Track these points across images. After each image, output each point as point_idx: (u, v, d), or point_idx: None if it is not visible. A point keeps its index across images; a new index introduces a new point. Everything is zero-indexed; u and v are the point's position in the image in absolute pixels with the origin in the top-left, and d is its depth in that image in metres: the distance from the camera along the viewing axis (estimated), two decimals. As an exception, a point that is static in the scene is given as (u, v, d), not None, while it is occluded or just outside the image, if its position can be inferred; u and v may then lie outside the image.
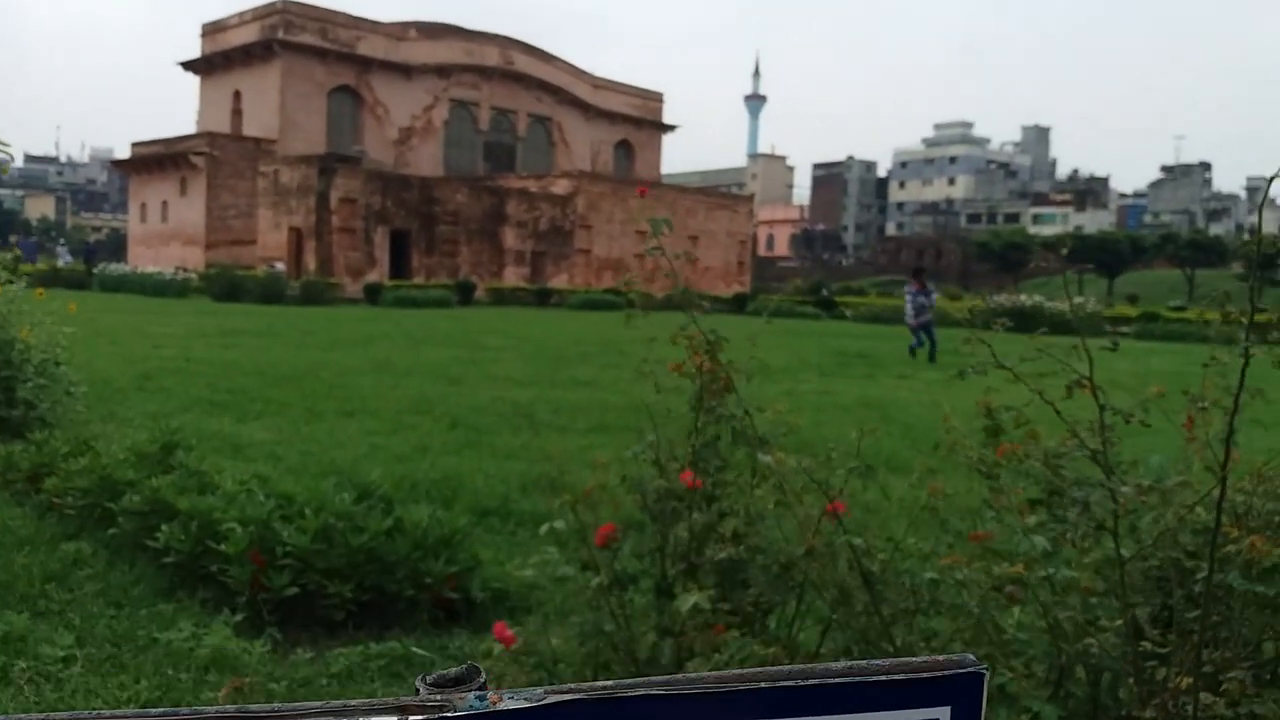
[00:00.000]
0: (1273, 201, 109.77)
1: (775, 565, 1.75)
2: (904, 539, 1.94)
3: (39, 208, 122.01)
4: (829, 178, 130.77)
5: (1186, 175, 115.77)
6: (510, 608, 3.43)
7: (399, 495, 4.64)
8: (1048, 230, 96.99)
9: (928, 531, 2.27)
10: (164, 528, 3.61)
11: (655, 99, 68.20)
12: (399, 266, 38.75)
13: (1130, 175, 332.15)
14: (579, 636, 2.05)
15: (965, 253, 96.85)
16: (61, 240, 73.95)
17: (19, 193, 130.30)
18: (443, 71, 55.34)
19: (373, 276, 36.64)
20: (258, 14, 50.72)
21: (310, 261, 36.50)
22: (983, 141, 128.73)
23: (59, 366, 6.30)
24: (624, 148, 66.45)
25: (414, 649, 3.03)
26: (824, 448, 7.23)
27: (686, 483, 2.04)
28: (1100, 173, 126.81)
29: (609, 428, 7.41)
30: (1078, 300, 23.12)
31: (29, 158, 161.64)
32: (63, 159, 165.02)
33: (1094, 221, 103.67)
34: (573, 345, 16.51)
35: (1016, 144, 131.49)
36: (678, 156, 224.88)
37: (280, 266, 36.15)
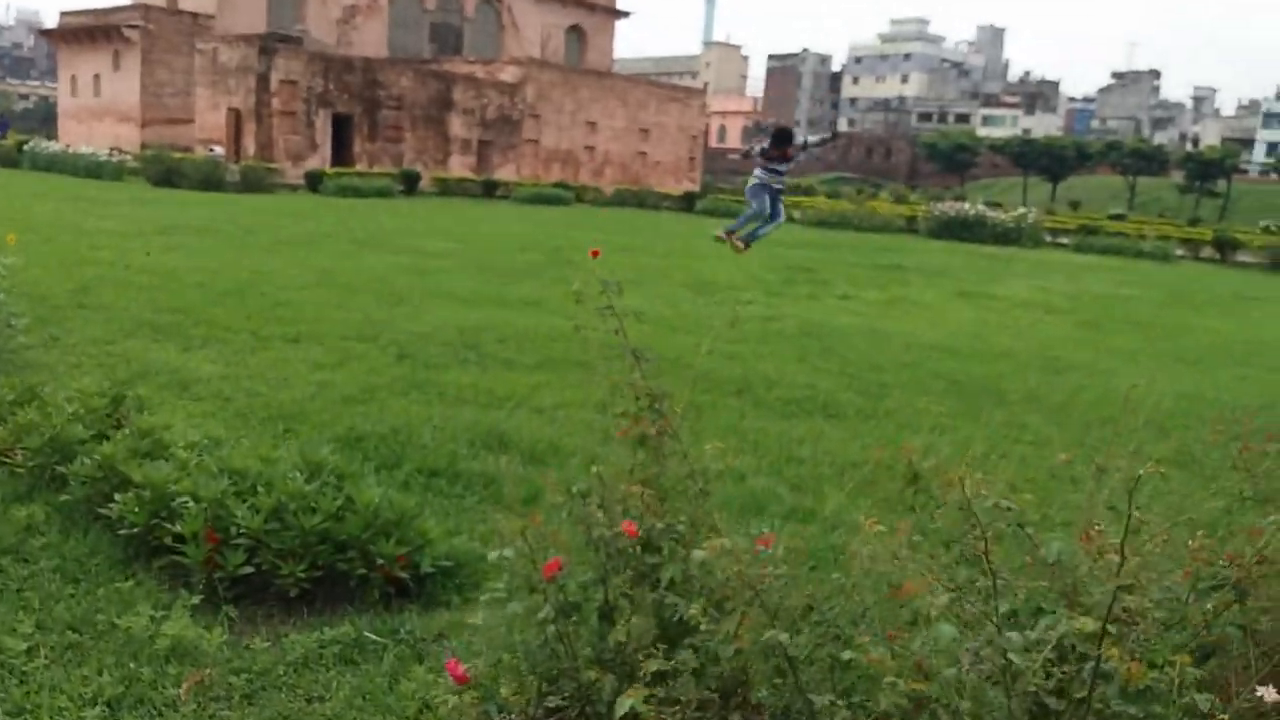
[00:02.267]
0: (1216, 113, 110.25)
1: (711, 678, 1.90)
2: (827, 594, 2.10)
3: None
4: (783, 70, 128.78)
5: (1136, 82, 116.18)
6: (459, 584, 3.60)
7: (348, 454, 4.74)
8: (997, 132, 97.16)
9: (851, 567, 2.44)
10: (118, 498, 3.69)
11: (610, -18, 65.99)
12: (341, 152, 37.78)
13: (1081, 80, 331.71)
14: (528, 668, 2.21)
15: (914, 152, 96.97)
16: (-15, 111, 70.44)
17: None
18: (389, -53, 52.89)
19: (314, 162, 35.72)
20: (191, -125, 47.74)
21: (250, 145, 35.42)
22: (938, 40, 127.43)
23: (-4, 296, 6.20)
24: (576, 33, 64.58)
25: (367, 634, 3.19)
26: (765, 387, 7.39)
27: (628, 532, 2.18)
28: (1052, 76, 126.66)
29: (556, 363, 7.54)
30: (1019, 210, 23.27)
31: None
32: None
33: (1042, 125, 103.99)
34: (520, 253, 16.45)
35: (971, 43, 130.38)
36: (631, 43, 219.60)
37: (219, 150, 35.08)
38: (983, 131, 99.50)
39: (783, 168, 10.88)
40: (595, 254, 2.57)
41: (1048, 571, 1.91)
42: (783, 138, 11.06)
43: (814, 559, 3.95)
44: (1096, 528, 1.90)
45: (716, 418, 6.28)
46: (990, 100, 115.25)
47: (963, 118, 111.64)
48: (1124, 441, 4.54)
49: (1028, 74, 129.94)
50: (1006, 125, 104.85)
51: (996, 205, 45.52)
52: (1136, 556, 2.03)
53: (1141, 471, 1.97)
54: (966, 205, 36.79)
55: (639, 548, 2.20)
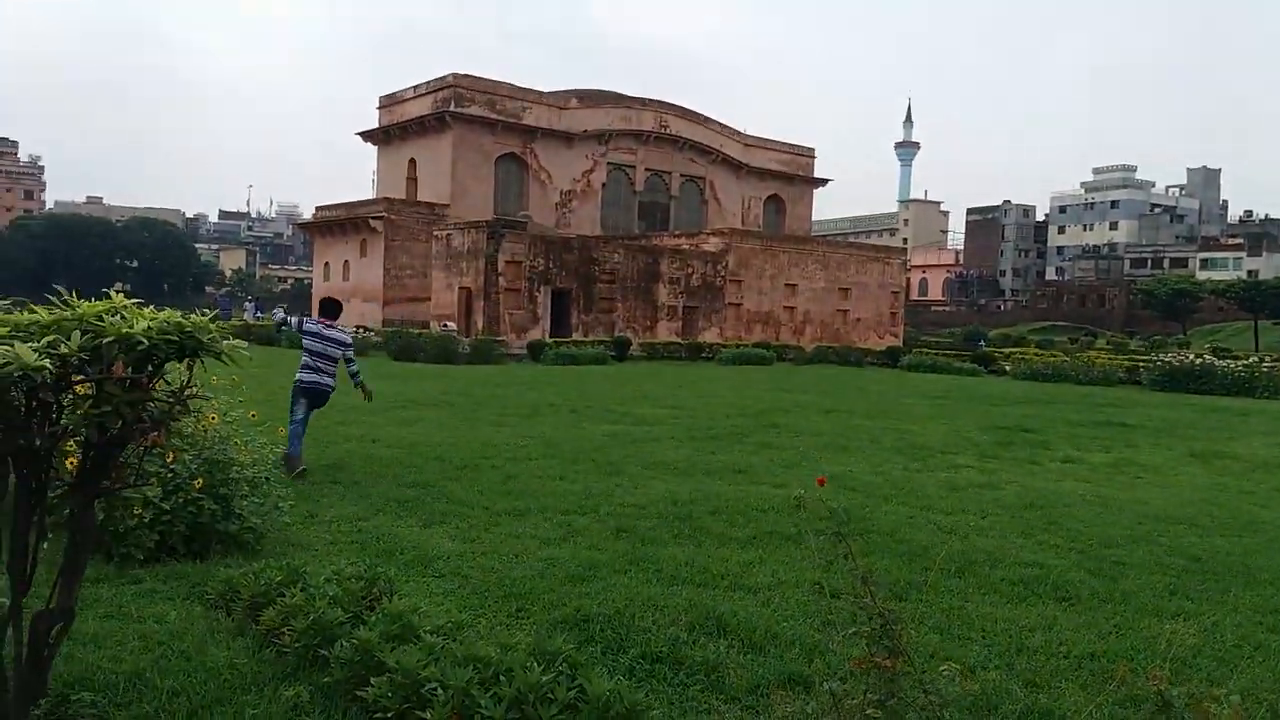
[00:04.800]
0: None
1: None
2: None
3: (232, 260, 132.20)
4: (984, 223, 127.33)
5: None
6: (685, 781, 3.65)
7: (576, 634, 4.95)
8: (1218, 275, 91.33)
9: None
10: (373, 682, 4.02)
11: (806, 154, 68.36)
12: (559, 323, 40.10)
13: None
14: None
15: (1130, 298, 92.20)
16: (249, 297, 79.77)
17: (215, 247, 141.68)
18: (601, 137, 57.30)
19: (536, 334, 38.05)
20: (431, 87, 53.95)
21: (479, 319, 38.22)
22: (1146, 185, 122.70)
23: (268, 481, 6.97)
24: (774, 201, 66.76)
25: (600, 830, 3.28)
26: (988, 565, 7.15)
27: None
28: (1276, 214, 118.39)
29: (767, 537, 7.58)
30: (1253, 358, 21.62)
31: (223, 214, 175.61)
32: (253, 215, 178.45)
33: (1270, 266, 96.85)
34: (726, 418, 16.70)
35: (1182, 187, 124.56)
36: (829, 204, 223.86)
37: (452, 326, 38.07)
38: (1202, 275, 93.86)
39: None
40: (822, 482, 2.69)
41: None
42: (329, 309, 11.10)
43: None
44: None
45: (938, 600, 6.10)
46: (1209, 243, 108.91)
47: (1179, 262, 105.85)
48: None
49: (1249, 214, 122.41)
50: (1229, 268, 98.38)
51: (1225, 351, 42.36)
52: None
53: None
54: (1192, 354, 34.46)
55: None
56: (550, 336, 37.79)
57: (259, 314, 55.86)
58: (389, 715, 3.88)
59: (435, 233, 42.69)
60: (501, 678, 3.84)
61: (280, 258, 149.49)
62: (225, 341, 3.59)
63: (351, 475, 9.64)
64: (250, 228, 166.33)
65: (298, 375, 10.33)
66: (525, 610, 5.52)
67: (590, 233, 50.64)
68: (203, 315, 3.65)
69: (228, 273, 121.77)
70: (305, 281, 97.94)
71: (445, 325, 38.28)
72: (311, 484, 9.05)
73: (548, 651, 4.07)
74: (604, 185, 57.82)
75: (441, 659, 4.05)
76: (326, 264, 56.16)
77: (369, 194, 57.48)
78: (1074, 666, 4.97)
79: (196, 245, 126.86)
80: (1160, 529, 8.64)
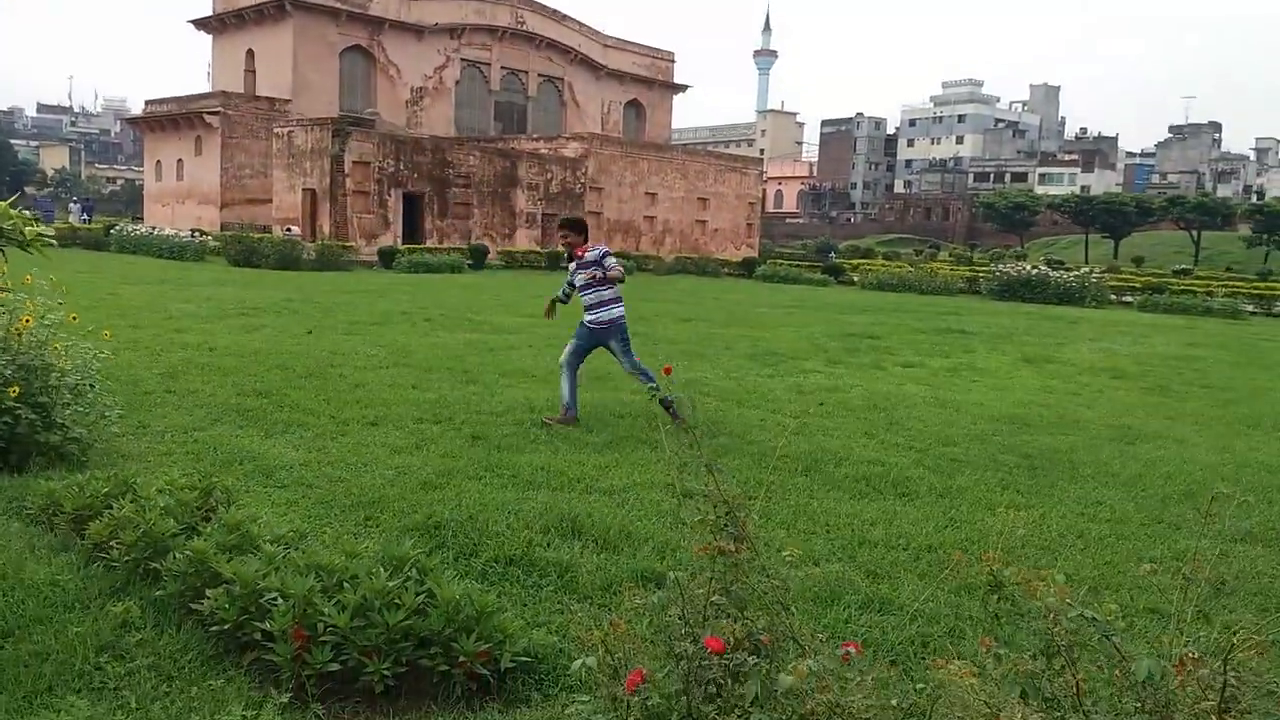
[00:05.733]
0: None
1: None
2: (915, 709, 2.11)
3: (53, 158, 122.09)
4: (838, 134, 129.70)
5: (1195, 135, 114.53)
6: (539, 679, 3.64)
7: (427, 542, 4.86)
8: (1055, 190, 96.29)
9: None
10: (209, 594, 3.82)
11: (666, 58, 67.63)
12: (412, 229, 38.86)
13: (1139, 135, 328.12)
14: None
15: (972, 211, 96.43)
16: (75, 197, 74.00)
17: (33, 144, 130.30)
18: (454, 31, 54.98)
19: (387, 240, 36.81)
20: (268, -29, 50.28)
21: (325, 223, 36.63)
22: (991, 100, 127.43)
23: (93, 389, 6.50)
24: (634, 107, 66.01)
25: (450, 732, 3.24)
26: (833, 464, 7.38)
27: (711, 647, 2.22)
28: (1109, 132, 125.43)
29: (624, 441, 7.61)
30: (1083, 270, 23.04)
31: (41, 107, 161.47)
32: (76, 109, 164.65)
33: (1101, 182, 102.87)
34: (585, 326, 16.64)
35: (1025, 103, 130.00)
36: (688, 112, 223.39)
37: (295, 231, 36.36)
38: (1041, 189, 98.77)
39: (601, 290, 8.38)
40: (668, 371, 2.64)
41: (1138, 690, 1.90)
42: (576, 227, 8.67)
43: (895, 653, 3.92)
44: (1188, 651, 1.89)
45: (785, 498, 6.27)
46: (1047, 158, 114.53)
47: (1020, 176, 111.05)
48: (1209, 543, 4.47)
49: (1084, 131, 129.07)
50: (1065, 183, 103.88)
51: (1059, 263, 44.97)
52: (1233, 671, 2.01)
53: (1230, 576, 1.96)
54: (1028, 265, 36.40)
55: (722, 662, 2.23)
56: (403, 243, 36.65)
57: (86, 216, 51.94)
58: (226, 627, 3.71)
59: (276, 130, 40.31)
60: (346, 585, 3.71)
61: (108, 156, 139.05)
62: (30, 228, 3.25)
63: (187, 384, 9.12)
64: (73, 123, 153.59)
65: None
66: (374, 519, 5.37)
67: (444, 134, 48.91)
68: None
69: (49, 172, 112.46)
70: (136, 182, 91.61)
71: (289, 230, 36.53)
72: (143, 393, 8.53)
73: (395, 557, 3.96)
74: (457, 83, 55.73)
75: (282, 569, 3.89)
76: (159, 163, 52.52)
77: (204, 88, 53.69)
78: (913, 558, 5.20)
79: (13, 142, 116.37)
80: (994, 429, 9.13)
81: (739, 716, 2.14)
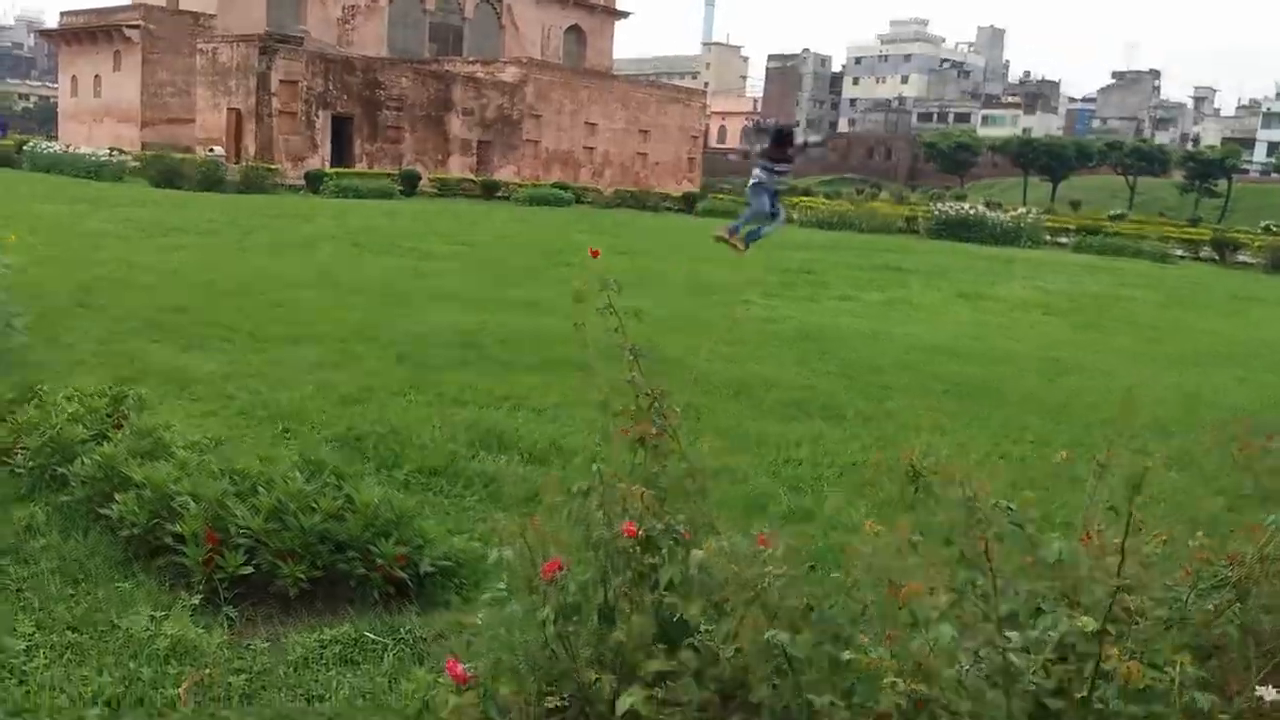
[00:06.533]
0: (1217, 113, 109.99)
1: (711, 679, 1.90)
2: (826, 593, 2.10)
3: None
4: (783, 70, 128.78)
5: (1136, 82, 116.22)
6: (459, 584, 3.60)
7: (347, 454, 4.75)
8: (997, 132, 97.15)
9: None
10: (118, 498, 3.70)
11: (610, -17, 66.01)
12: (341, 153, 37.81)
13: (1082, 80, 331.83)
14: (528, 668, 2.21)
15: (915, 152, 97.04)
16: (-15, 112, 70.45)
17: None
18: (389, -53, 52.93)
19: (314, 163, 35.76)
20: (192, -125, 47.79)
21: (250, 145, 35.46)
22: (937, 40, 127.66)
23: (-3, 297, 6.22)
24: (575, 33, 64.58)
25: (367, 634, 3.19)
26: (763, 389, 7.39)
27: (628, 533, 2.18)
28: (1052, 77, 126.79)
29: (555, 364, 7.52)
30: (1020, 211, 23.30)
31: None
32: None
33: (1042, 125, 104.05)
34: (519, 254, 16.45)
35: (971, 44, 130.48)
36: (630, 43, 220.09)
37: (219, 151, 35.11)
38: (983, 131, 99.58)
39: (783, 168, 10.73)
40: (595, 254, 2.57)
41: (1048, 571, 1.91)
42: (783, 137, 11.02)
43: (814, 559, 3.94)
44: (1098, 529, 1.90)
45: (715, 419, 6.26)
46: (991, 100, 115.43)
47: (963, 118, 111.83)
48: (1124, 442, 4.54)
49: (1028, 74, 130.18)
50: (1007, 125, 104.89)
51: (997, 205, 45.58)
52: (1137, 556, 2.03)
53: (1143, 469, 1.97)
54: (967, 205, 36.84)
55: (638, 548, 2.20)
56: (331, 167, 35.63)
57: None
58: (135, 532, 3.59)
59: (200, 46, 38.64)
60: (261, 489, 3.61)
61: (21, 71, 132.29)
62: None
63: (102, 300, 8.79)
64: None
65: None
66: (292, 431, 5.24)
67: (376, 54, 47.32)
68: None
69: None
70: (51, 99, 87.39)
71: (212, 150, 35.28)
72: (54, 307, 8.19)
73: (312, 462, 3.87)
74: (391, 2, 53.90)
75: (195, 474, 3.77)
76: (74, 79, 50.07)
77: (125, 0, 51.16)
78: (837, 474, 5.25)
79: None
80: (925, 359, 9.25)
81: (653, 600, 2.12)
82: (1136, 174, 74.40)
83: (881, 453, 3.07)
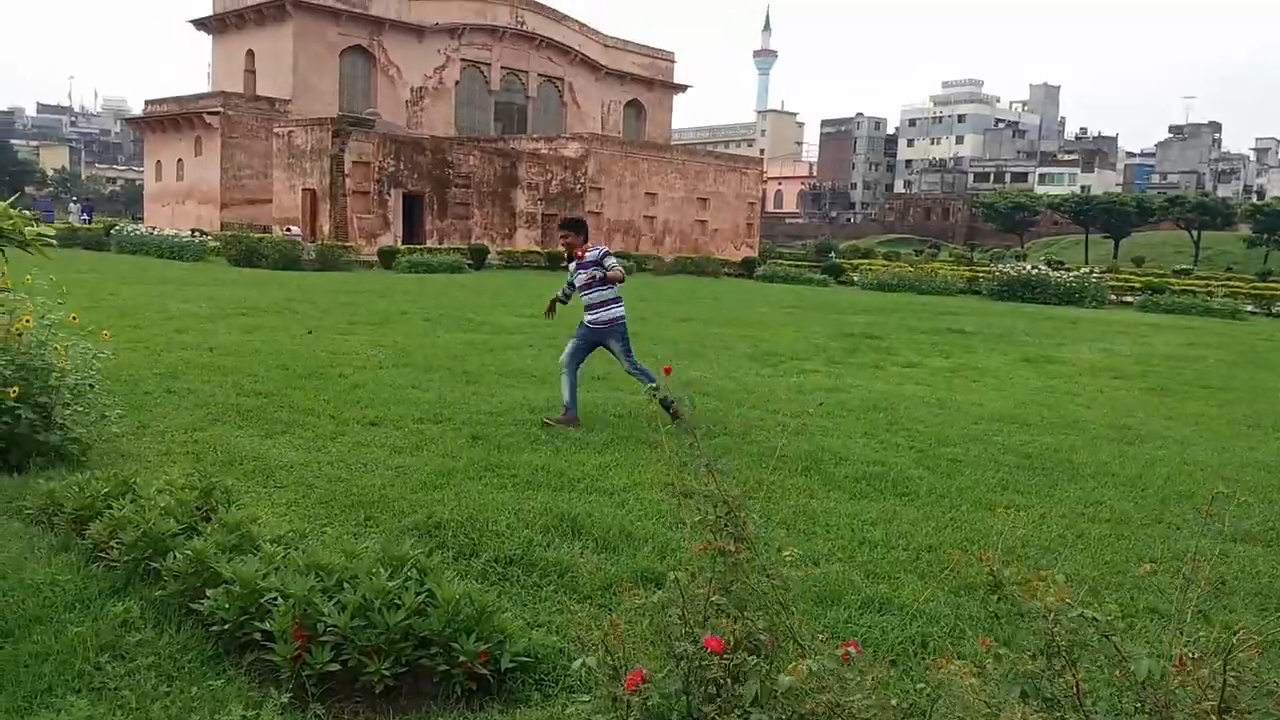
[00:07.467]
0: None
1: None
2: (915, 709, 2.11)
3: (54, 158, 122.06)
4: (837, 134, 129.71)
5: (1195, 136, 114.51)
6: (539, 679, 3.64)
7: (427, 542, 4.85)
8: (1054, 190, 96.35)
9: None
10: (209, 594, 3.82)
11: (666, 58, 67.63)
12: (412, 229, 38.87)
13: (1138, 135, 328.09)
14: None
15: (972, 211, 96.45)
16: (75, 197, 73.95)
17: (34, 144, 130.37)
18: (455, 31, 54.99)
19: (387, 240, 36.79)
20: (268, -28, 50.30)
21: (325, 224, 36.63)
22: (991, 100, 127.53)
23: (92, 389, 6.51)
24: (634, 107, 66.00)
25: (450, 732, 3.24)
26: (833, 463, 7.37)
27: (711, 647, 2.22)
28: (1108, 132, 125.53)
29: (624, 442, 7.61)
30: (1083, 270, 23.05)
31: (42, 107, 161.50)
32: (76, 109, 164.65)
33: (1101, 182, 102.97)
34: (585, 326, 16.63)
35: (1024, 103, 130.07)
36: (687, 111, 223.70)
37: (296, 231, 36.36)
38: (1041, 189, 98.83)
39: (597, 295, 8.33)
40: (668, 371, 2.64)
41: (1137, 688, 1.90)
42: (576, 227, 8.63)
43: (894, 653, 3.92)
44: (1188, 651, 1.89)
45: (785, 498, 6.27)
46: (1047, 158, 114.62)
47: (1020, 176, 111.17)
48: (1209, 536, 4.46)
49: (1084, 131, 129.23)
50: (1065, 183, 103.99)
51: (1059, 264, 44.99)
52: (1232, 667, 2.01)
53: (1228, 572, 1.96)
54: (1028, 265, 36.41)
55: (721, 663, 2.23)
56: (403, 243, 36.63)
57: (86, 216, 51.90)
58: (226, 627, 3.71)
59: (276, 130, 40.29)
60: (346, 585, 3.71)
61: (108, 156, 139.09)
62: (30, 229, 3.25)
63: (187, 384, 9.12)
64: (74, 123, 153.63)
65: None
66: (373, 519, 5.37)
67: (444, 134, 48.86)
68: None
69: (49, 172, 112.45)
70: (136, 182, 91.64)
71: (289, 230, 36.53)
72: (143, 393, 8.53)
73: (395, 557, 3.96)
74: (458, 83, 55.71)
75: (282, 568, 3.89)
76: (159, 163, 52.50)
77: (205, 88, 53.67)
78: (912, 558, 5.20)
79: (12, 142, 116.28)
80: (994, 429, 9.13)
81: (739, 716, 2.14)
82: (1200, 228, 72.90)
83: (961, 553, 3.06)
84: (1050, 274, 32.97)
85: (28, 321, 6.19)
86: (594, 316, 8.48)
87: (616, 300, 8.55)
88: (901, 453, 7.89)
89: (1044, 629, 2.14)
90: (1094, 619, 2.12)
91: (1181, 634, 2.24)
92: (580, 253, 8.51)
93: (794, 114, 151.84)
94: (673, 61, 68.04)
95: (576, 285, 8.58)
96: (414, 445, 7.19)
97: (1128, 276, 41.43)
